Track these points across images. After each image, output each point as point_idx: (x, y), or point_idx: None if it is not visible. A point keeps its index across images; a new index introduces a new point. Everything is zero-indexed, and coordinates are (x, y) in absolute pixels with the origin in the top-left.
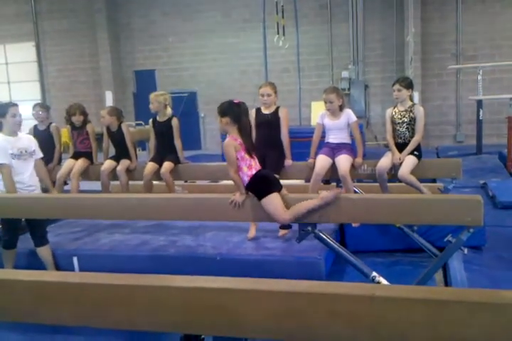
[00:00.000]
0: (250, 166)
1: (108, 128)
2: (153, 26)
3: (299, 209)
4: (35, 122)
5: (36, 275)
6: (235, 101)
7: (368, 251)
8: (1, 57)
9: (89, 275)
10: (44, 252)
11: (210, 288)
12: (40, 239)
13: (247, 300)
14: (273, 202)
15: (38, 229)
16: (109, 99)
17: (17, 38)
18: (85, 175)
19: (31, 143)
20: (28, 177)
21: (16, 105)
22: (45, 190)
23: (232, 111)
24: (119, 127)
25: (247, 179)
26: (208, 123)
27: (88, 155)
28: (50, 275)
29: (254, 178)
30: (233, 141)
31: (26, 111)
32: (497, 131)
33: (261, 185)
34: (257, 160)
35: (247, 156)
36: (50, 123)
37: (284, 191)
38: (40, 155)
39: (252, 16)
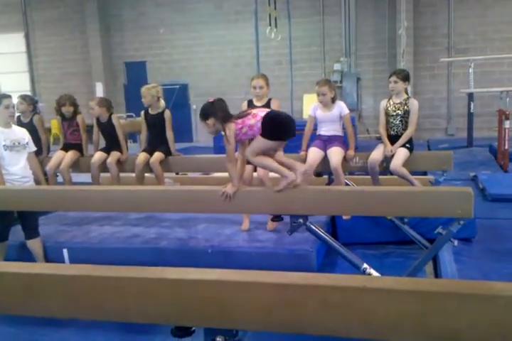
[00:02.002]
0: (254, 115)
1: (98, 120)
2: (144, 17)
3: (263, 162)
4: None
5: (26, 268)
6: (210, 101)
7: (359, 244)
8: None
9: (80, 267)
10: (35, 245)
11: (202, 279)
12: (31, 232)
13: (239, 291)
14: (261, 144)
15: (29, 221)
16: (99, 91)
17: (6, 29)
18: (76, 167)
19: (25, 135)
20: (21, 169)
21: (9, 97)
22: (37, 183)
23: (213, 111)
24: (110, 118)
25: (260, 124)
26: None
27: (78, 147)
28: (40, 268)
29: (265, 119)
30: (232, 130)
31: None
32: (488, 124)
33: (273, 129)
34: (258, 108)
35: (244, 118)
36: (34, 114)
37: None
38: (34, 148)
39: (244, 8)
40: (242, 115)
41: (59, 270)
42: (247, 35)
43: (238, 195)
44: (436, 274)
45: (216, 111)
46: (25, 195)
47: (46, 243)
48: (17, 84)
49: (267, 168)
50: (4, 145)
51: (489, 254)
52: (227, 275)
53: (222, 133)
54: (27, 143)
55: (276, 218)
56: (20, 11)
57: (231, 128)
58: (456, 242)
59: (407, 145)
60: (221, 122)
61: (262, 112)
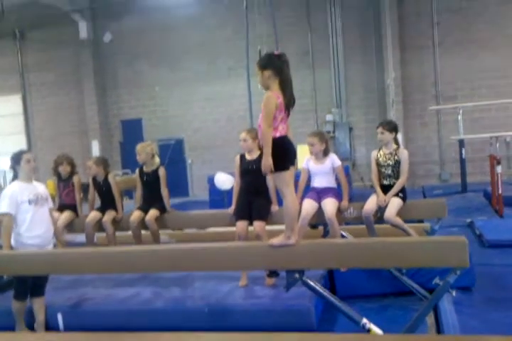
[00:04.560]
0: (288, 126)
1: (94, 179)
2: (139, 76)
3: (293, 215)
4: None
5: (20, 338)
6: (275, 53)
7: (358, 296)
8: None
9: (74, 336)
10: (39, 304)
11: None
12: (38, 290)
13: None
14: (284, 176)
15: (41, 278)
16: (95, 149)
17: (4, 91)
18: (70, 227)
19: (44, 189)
20: (44, 231)
21: (29, 152)
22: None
23: (274, 63)
24: (106, 177)
25: (278, 135)
26: (196, 170)
27: (74, 208)
28: (34, 338)
29: (282, 141)
30: (275, 98)
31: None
32: (480, 169)
33: (283, 156)
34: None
35: (285, 116)
36: None
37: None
38: (51, 204)
39: (237, 64)
40: (288, 106)
41: (53, 339)
42: (240, 89)
43: (232, 251)
44: (438, 326)
45: (282, 66)
46: (18, 260)
47: None
48: (14, 145)
49: (290, 209)
50: (29, 200)
51: (490, 303)
52: (223, 339)
53: (264, 92)
54: (47, 198)
55: (272, 274)
56: (17, 74)
57: (277, 101)
58: (454, 292)
59: (400, 194)
60: (274, 79)
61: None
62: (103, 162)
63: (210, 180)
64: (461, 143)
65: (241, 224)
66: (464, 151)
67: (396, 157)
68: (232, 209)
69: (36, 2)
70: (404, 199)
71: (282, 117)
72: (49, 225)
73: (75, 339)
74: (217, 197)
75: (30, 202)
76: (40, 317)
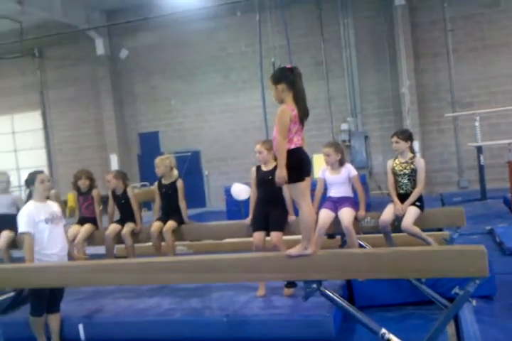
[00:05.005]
0: (303, 138)
1: (113, 192)
2: (155, 90)
3: (309, 226)
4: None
5: None
6: (288, 67)
7: (377, 306)
8: (8, 126)
9: None
10: (54, 320)
11: None
12: (55, 306)
13: None
14: (302, 191)
15: (58, 294)
16: (114, 162)
17: (24, 108)
18: (90, 239)
19: (58, 208)
20: (60, 246)
21: (42, 172)
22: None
23: (287, 76)
24: (125, 190)
25: (292, 146)
26: (212, 181)
27: (94, 221)
28: None
29: (297, 152)
30: (290, 111)
31: None
32: (499, 176)
33: (298, 167)
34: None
35: (299, 127)
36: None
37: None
38: (64, 221)
39: (251, 76)
40: (302, 118)
41: None
42: (255, 101)
43: (250, 262)
44: (459, 335)
45: (295, 79)
46: (38, 272)
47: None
48: (35, 160)
49: (306, 220)
50: (46, 219)
51: (511, 312)
52: None
53: (279, 105)
54: (61, 216)
55: (290, 284)
56: (37, 91)
57: (291, 113)
58: (474, 302)
59: (417, 203)
60: (288, 92)
61: (302, 140)
62: (122, 175)
63: (227, 191)
64: (479, 149)
65: (258, 235)
66: (482, 158)
67: (412, 166)
68: (249, 219)
69: (54, 21)
70: (421, 208)
71: (297, 129)
72: (64, 243)
73: None
74: (234, 208)
75: (46, 221)
76: (55, 329)
